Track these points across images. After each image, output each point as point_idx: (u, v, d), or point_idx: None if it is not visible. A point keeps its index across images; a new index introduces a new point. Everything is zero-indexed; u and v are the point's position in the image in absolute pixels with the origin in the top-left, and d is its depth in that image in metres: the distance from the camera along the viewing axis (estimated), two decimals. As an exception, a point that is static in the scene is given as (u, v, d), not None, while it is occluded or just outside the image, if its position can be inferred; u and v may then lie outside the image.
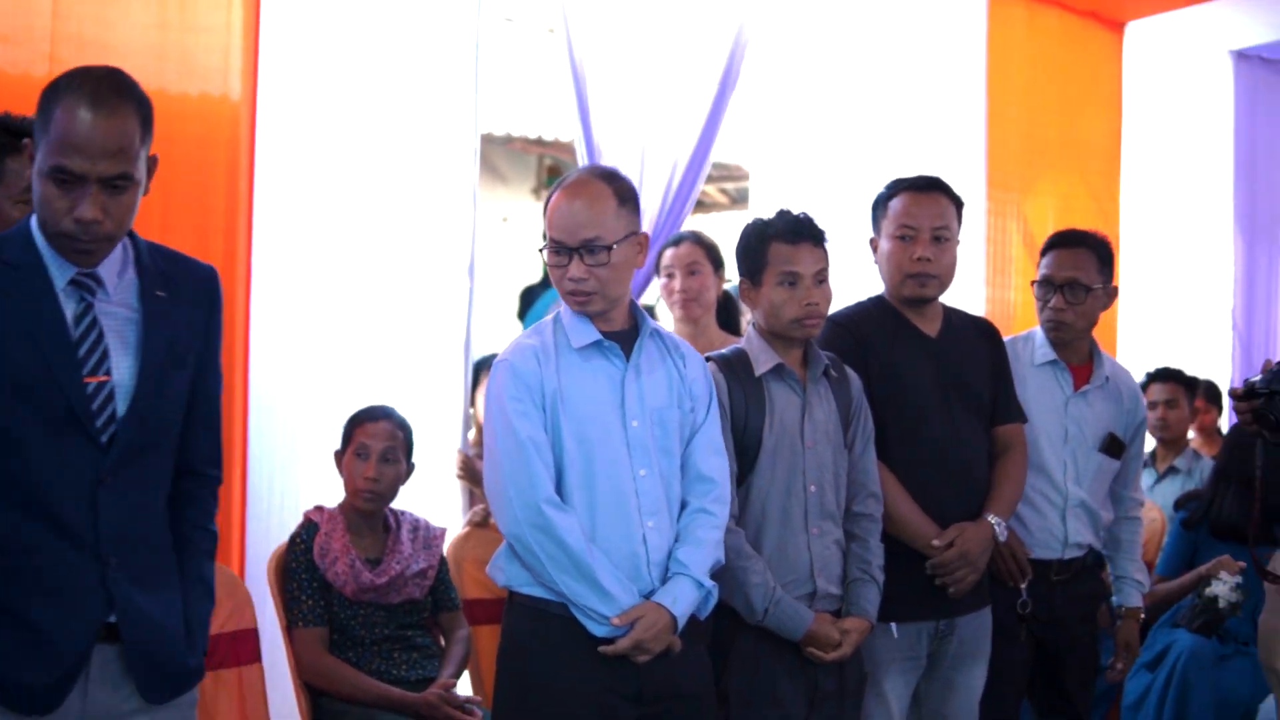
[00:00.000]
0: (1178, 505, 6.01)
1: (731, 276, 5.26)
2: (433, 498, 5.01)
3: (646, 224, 5.63)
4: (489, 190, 5.52)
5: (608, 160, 5.56)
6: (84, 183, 2.68)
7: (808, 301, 3.72)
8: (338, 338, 4.94)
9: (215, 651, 4.05)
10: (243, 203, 4.72)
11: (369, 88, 5.01)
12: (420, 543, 4.45)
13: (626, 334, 3.58)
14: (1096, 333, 4.67)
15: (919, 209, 4.07)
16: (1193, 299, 8.63)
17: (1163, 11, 7.87)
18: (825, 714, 3.74)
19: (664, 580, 3.47)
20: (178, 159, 4.47)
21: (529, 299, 7.29)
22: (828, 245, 3.79)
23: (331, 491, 4.48)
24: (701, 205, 6.49)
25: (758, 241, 3.78)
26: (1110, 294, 4.58)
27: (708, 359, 3.83)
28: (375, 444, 4.35)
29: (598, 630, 3.38)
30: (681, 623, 3.44)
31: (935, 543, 3.95)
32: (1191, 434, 7.19)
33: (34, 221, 2.81)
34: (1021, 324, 6.49)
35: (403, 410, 4.52)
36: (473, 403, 5.28)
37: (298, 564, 4.24)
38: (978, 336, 4.27)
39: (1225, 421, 7.64)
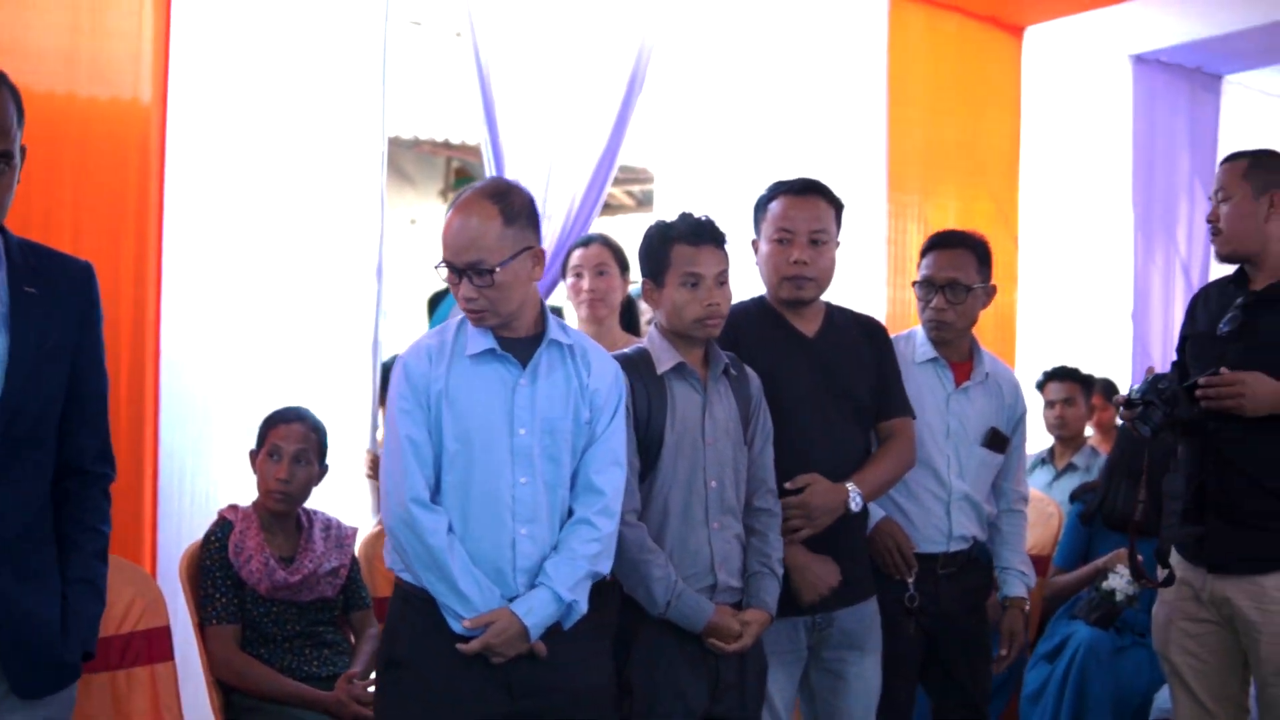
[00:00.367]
0: (1074, 497, 6.18)
1: (634, 279, 5.42)
2: (342, 497, 5.10)
3: (554, 227, 5.78)
4: (397, 193, 5.60)
5: (514, 163, 5.67)
6: None
7: (709, 302, 3.81)
8: (248, 338, 5.03)
9: (128, 649, 4.15)
10: (153, 205, 4.79)
11: (278, 91, 5.09)
12: (333, 542, 4.55)
13: (529, 341, 3.66)
14: (998, 332, 4.81)
15: (796, 212, 4.15)
16: (1091, 299, 8.80)
17: (1061, 16, 8.01)
18: (727, 704, 3.83)
19: (533, 587, 3.58)
20: (89, 162, 4.58)
21: (435, 304, 7.36)
22: (729, 247, 3.88)
23: (244, 490, 4.56)
24: (608, 207, 6.60)
25: (661, 243, 3.86)
26: (989, 292, 4.70)
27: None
28: (288, 445, 4.43)
29: (455, 627, 3.51)
30: (535, 633, 3.53)
31: (787, 485, 4.04)
32: (1089, 431, 7.35)
33: None
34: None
35: (312, 410, 4.60)
36: (381, 403, 5.36)
37: (212, 562, 4.32)
38: (860, 336, 4.34)
39: (1122, 419, 7.82)
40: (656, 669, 3.80)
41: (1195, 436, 4.30)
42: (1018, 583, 4.78)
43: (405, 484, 3.55)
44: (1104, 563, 5.82)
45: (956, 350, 4.70)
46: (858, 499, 4.09)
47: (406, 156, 8.80)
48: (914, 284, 4.72)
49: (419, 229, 9.82)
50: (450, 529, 3.56)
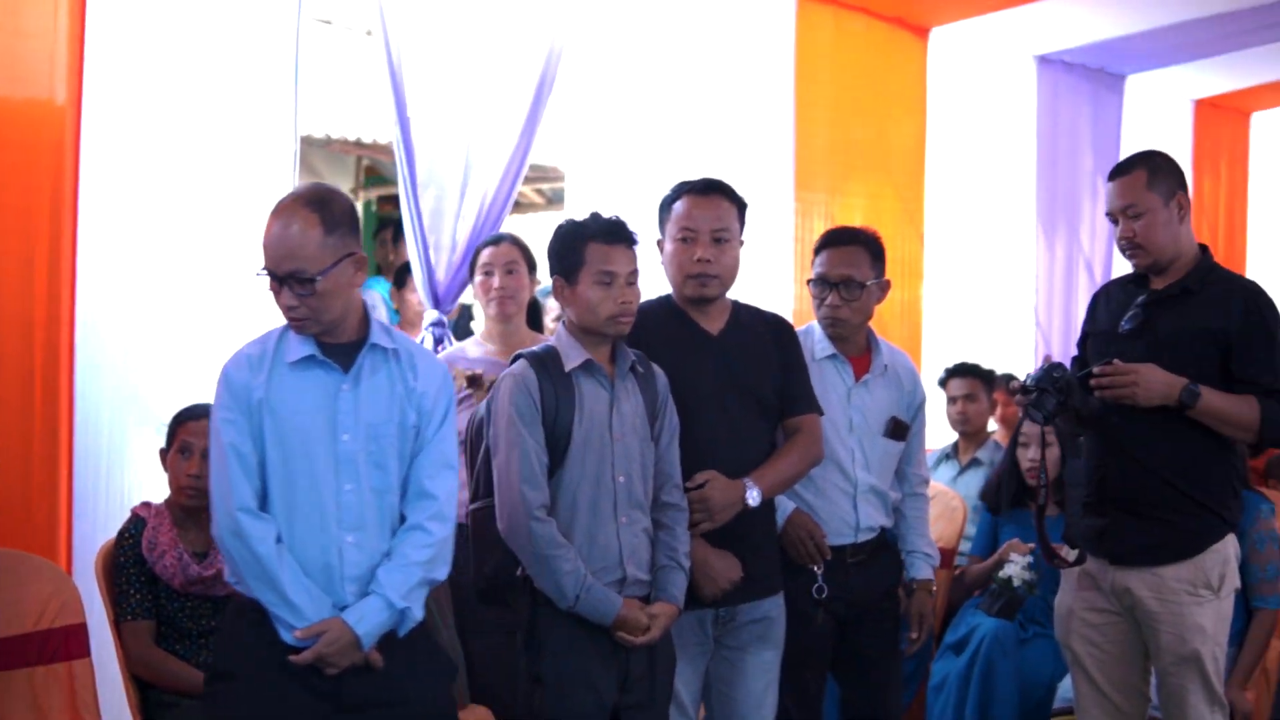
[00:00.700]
0: (984, 497, 6.30)
1: (540, 279, 5.52)
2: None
3: (466, 225, 5.85)
4: None
5: (425, 162, 5.74)
6: None
7: (622, 300, 3.90)
8: (162, 338, 5.06)
9: (45, 646, 4.21)
10: (68, 205, 4.81)
11: (191, 91, 5.12)
12: (245, 536, 4.62)
13: (352, 346, 3.70)
14: (904, 328, 4.93)
15: (699, 211, 4.23)
16: (996, 295, 8.97)
17: (966, 17, 8.16)
18: (636, 695, 3.93)
19: (364, 595, 3.63)
20: (3, 163, 4.62)
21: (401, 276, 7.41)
22: (638, 247, 3.98)
23: (159, 488, 4.60)
24: (517, 206, 6.68)
25: (575, 241, 3.94)
26: (884, 288, 4.78)
27: (518, 356, 4.00)
28: (198, 442, 4.42)
29: (286, 638, 3.55)
30: (368, 641, 3.59)
31: (686, 484, 4.10)
32: (994, 426, 7.44)
33: None
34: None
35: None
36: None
37: (126, 558, 4.35)
38: (766, 333, 4.40)
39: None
40: (567, 662, 3.88)
41: (1097, 430, 4.45)
42: (924, 564, 4.89)
43: (232, 494, 3.57)
44: (999, 555, 5.95)
45: (854, 345, 4.78)
46: (755, 494, 4.15)
47: (317, 155, 8.84)
48: (808, 282, 4.80)
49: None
50: (280, 538, 3.59)
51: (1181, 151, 10.33)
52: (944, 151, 8.43)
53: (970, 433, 7.01)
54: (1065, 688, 5.36)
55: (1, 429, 4.68)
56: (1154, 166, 4.44)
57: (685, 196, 4.28)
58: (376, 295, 7.09)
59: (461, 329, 6.28)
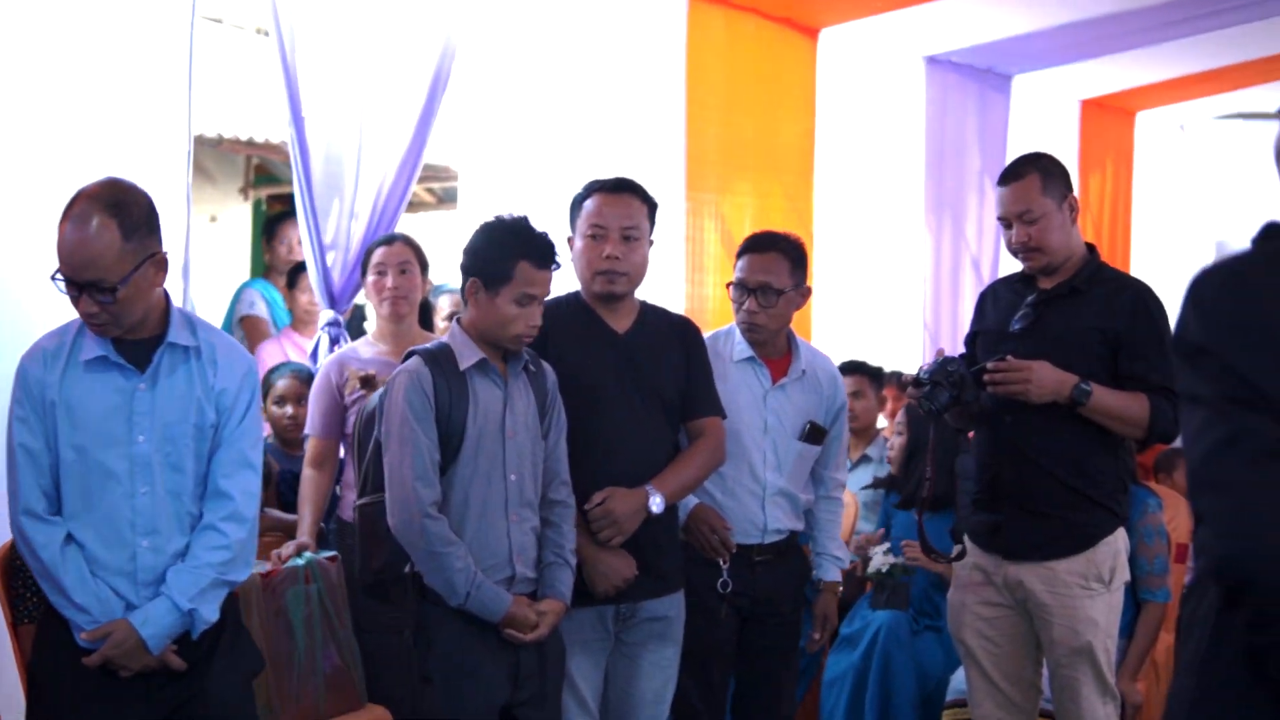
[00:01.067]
0: (879, 487, 6.50)
1: (432, 278, 5.59)
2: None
3: (360, 225, 5.88)
4: (197, 190, 5.65)
5: (321, 162, 5.77)
6: None
7: (533, 322, 3.99)
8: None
9: (-58, 650, 4.19)
10: (-44, 206, 4.74)
11: (80, 89, 5.08)
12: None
13: (151, 342, 3.69)
14: (794, 327, 4.97)
15: (609, 209, 4.31)
16: (886, 293, 9.14)
17: (856, 18, 8.26)
18: (527, 692, 4.01)
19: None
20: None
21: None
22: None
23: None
24: (409, 204, 6.75)
25: (507, 254, 3.96)
26: (803, 294, 4.87)
27: (412, 352, 4.05)
28: None
29: (78, 639, 3.59)
30: (155, 643, 3.59)
31: (585, 506, 4.19)
32: (884, 423, 7.58)
33: None
34: (718, 321, 6.74)
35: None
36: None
37: (21, 560, 4.37)
38: (672, 334, 4.47)
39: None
40: (457, 659, 3.95)
41: (989, 427, 4.59)
42: (832, 567, 5.01)
43: (18, 495, 3.59)
44: (856, 549, 6.14)
45: (774, 348, 4.87)
46: (658, 501, 4.23)
47: (206, 154, 8.84)
48: (728, 285, 4.87)
49: (220, 226, 9.85)
50: (70, 539, 3.60)
51: (1068, 151, 10.55)
52: (834, 151, 8.51)
53: (859, 429, 7.08)
54: (958, 680, 5.46)
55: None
56: (1046, 170, 4.55)
57: (596, 194, 4.36)
58: (255, 294, 7.11)
59: (354, 329, 6.33)
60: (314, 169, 5.77)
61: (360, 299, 6.01)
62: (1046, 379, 4.39)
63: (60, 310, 3.84)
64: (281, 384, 5.66)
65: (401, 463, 3.90)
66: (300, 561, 4.79)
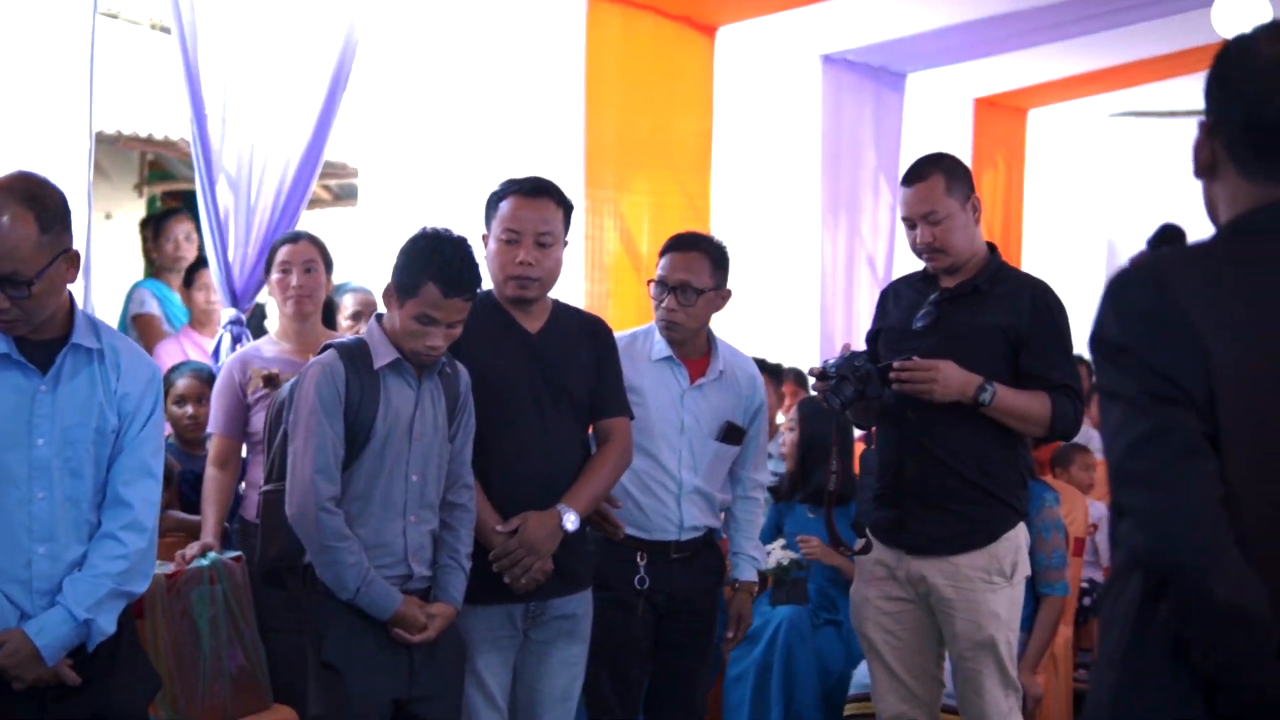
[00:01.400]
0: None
1: (336, 277, 5.63)
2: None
3: (260, 221, 5.91)
4: (94, 187, 5.65)
5: (222, 159, 5.80)
6: None
7: (431, 344, 3.97)
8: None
9: None
10: None
11: None
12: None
13: (56, 342, 3.62)
14: None
15: (525, 213, 4.29)
16: (782, 290, 9.26)
17: (753, 17, 8.36)
18: (423, 687, 4.05)
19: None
20: None
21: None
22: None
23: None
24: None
25: (417, 271, 3.96)
26: (724, 296, 4.89)
27: (328, 345, 4.07)
28: None
29: None
30: (50, 654, 3.51)
31: (499, 529, 4.21)
32: (782, 418, 7.62)
33: None
34: (616, 318, 6.79)
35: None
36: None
37: None
38: (583, 334, 4.50)
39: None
40: (352, 652, 3.97)
41: (892, 424, 4.67)
42: (748, 567, 5.06)
43: None
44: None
45: (693, 348, 4.91)
46: (571, 519, 4.28)
47: (102, 151, 8.48)
48: (649, 283, 4.91)
49: (115, 224, 9.78)
50: None
51: (961, 148, 10.57)
52: (731, 149, 8.59)
53: (757, 425, 7.19)
54: (861, 674, 5.58)
55: None
56: (950, 171, 4.63)
57: (512, 197, 4.34)
58: (146, 293, 7.09)
59: (254, 327, 6.34)
60: (215, 166, 5.78)
61: (261, 297, 6.02)
62: (952, 379, 4.47)
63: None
64: (182, 383, 5.64)
65: (304, 454, 3.92)
66: (205, 562, 4.82)
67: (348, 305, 6.36)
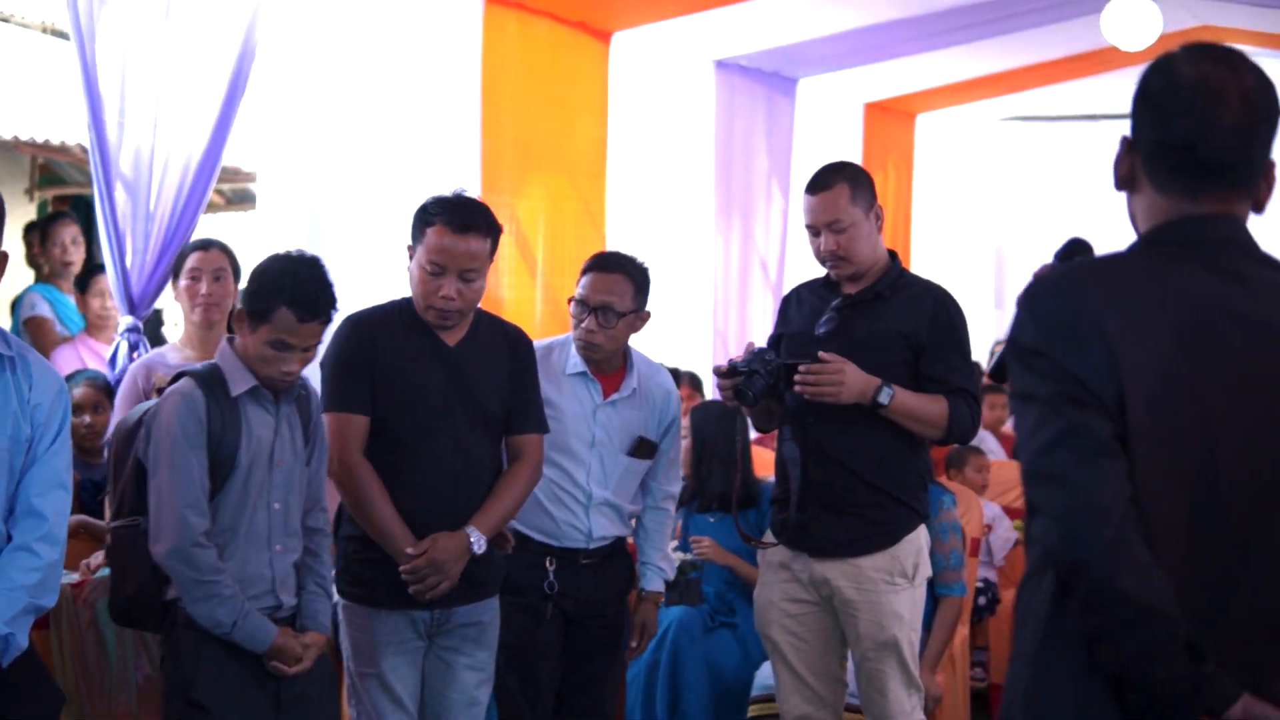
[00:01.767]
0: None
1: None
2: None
3: (158, 227, 5.89)
4: None
5: (119, 163, 5.78)
6: None
7: (286, 370, 3.96)
8: None
9: None
10: None
11: None
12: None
13: None
14: None
15: (452, 246, 4.24)
16: (676, 294, 9.14)
17: (648, 23, 8.46)
18: (294, 716, 4.08)
19: None
20: None
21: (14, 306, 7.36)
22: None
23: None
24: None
25: (270, 294, 3.93)
26: (643, 319, 4.93)
27: (182, 373, 4.04)
28: None
29: None
30: None
31: (409, 550, 4.21)
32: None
33: None
34: (511, 322, 6.89)
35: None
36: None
37: None
38: (503, 346, 4.52)
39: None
40: (222, 689, 3.96)
41: (793, 428, 4.78)
42: (656, 577, 5.15)
43: None
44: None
45: (609, 364, 4.95)
46: (479, 541, 4.30)
47: None
48: (569, 300, 4.92)
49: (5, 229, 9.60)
50: None
51: (852, 152, 10.84)
52: (626, 153, 8.66)
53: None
54: (764, 675, 5.68)
55: None
56: (854, 180, 4.71)
57: (440, 226, 4.27)
58: (37, 296, 7.07)
59: (151, 333, 6.32)
60: (113, 171, 5.76)
61: (160, 302, 6.01)
62: (853, 381, 4.55)
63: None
64: (78, 392, 5.59)
65: (172, 489, 3.87)
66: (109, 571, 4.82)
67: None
